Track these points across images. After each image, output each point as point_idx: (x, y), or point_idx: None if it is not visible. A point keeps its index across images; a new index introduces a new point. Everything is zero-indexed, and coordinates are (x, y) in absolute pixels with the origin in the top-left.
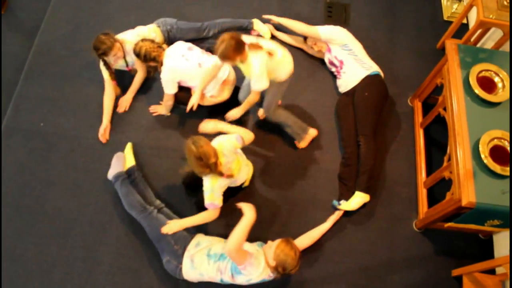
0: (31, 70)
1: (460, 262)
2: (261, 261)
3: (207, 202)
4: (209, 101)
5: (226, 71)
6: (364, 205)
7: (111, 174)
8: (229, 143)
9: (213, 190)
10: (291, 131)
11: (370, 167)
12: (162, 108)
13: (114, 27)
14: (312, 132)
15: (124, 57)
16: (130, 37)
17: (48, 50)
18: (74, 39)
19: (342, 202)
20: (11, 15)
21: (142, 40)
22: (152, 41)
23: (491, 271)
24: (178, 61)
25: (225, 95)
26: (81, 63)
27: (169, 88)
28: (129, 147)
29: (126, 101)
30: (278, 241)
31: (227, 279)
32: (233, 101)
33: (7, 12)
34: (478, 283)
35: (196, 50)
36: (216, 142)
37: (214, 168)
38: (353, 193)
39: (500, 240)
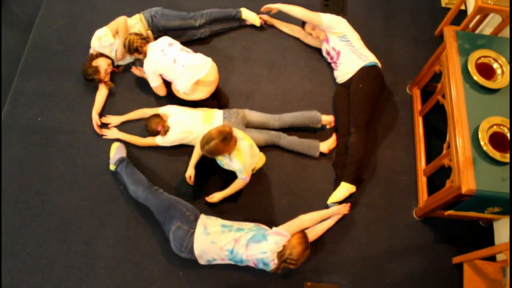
0: (27, 65)
1: (461, 250)
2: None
3: (243, 176)
4: (183, 96)
5: (203, 71)
6: (351, 196)
7: (114, 159)
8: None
9: (245, 166)
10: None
11: (358, 159)
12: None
13: (109, 20)
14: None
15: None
16: (98, 34)
17: (44, 44)
18: (69, 33)
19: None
20: (6, 10)
21: (130, 33)
22: (138, 34)
23: (492, 258)
24: (157, 55)
25: (198, 95)
26: (77, 57)
27: (152, 81)
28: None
29: (93, 123)
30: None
31: (239, 248)
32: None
33: (2, 7)
34: (479, 270)
35: (176, 46)
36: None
37: (233, 144)
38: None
39: (501, 227)
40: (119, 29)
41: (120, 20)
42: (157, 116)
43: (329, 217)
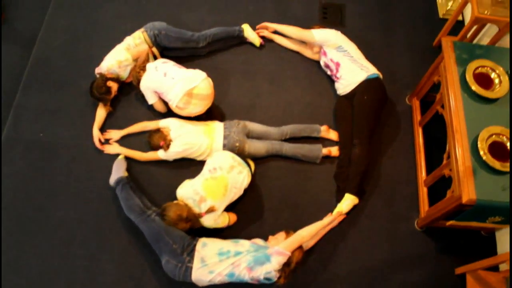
0: (30, 81)
1: (463, 260)
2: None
3: (222, 226)
4: (177, 111)
5: (195, 83)
6: (354, 207)
7: (112, 180)
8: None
9: (216, 223)
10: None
11: (362, 171)
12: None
13: (111, 35)
14: (323, 130)
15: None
16: (113, 57)
17: (46, 60)
18: (71, 48)
19: (337, 205)
20: (8, 26)
21: (135, 68)
22: (136, 66)
23: (495, 268)
24: (150, 72)
25: (193, 109)
26: (79, 72)
27: (148, 98)
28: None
29: (95, 139)
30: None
31: (240, 272)
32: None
33: (4, 24)
34: (482, 281)
35: (170, 63)
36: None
37: (195, 219)
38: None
39: (503, 237)
40: (141, 57)
41: (144, 50)
42: (158, 131)
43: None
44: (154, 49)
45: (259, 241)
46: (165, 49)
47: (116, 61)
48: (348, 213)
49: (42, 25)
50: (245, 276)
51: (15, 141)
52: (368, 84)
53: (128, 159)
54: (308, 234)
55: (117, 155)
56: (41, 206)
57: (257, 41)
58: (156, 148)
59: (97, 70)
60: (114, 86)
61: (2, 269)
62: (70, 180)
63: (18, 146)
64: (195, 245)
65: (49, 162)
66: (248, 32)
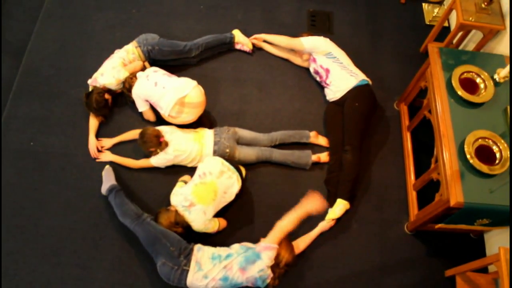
0: (19, 90)
1: (453, 262)
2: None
3: (212, 231)
4: (170, 120)
5: (185, 91)
6: (346, 212)
7: (105, 188)
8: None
9: (206, 227)
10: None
11: (354, 177)
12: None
13: (100, 44)
14: (312, 136)
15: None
16: (112, 75)
17: (36, 69)
18: (61, 58)
19: (329, 210)
20: None
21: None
22: (130, 73)
23: (484, 270)
24: (141, 81)
25: (185, 117)
26: (69, 81)
27: (139, 106)
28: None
29: (92, 146)
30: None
31: (234, 274)
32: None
33: None
34: (471, 282)
35: (160, 72)
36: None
37: (184, 223)
38: (336, 199)
39: (491, 239)
40: (136, 71)
41: (140, 66)
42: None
43: (307, 215)
44: (146, 63)
45: (248, 244)
46: (157, 60)
47: (115, 79)
48: (338, 218)
49: (32, 35)
50: (239, 278)
51: (5, 151)
52: (358, 91)
53: (120, 166)
54: (288, 222)
55: (107, 163)
56: (31, 215)
57: (249, 44)
58: (154, 145)
59: (92, 83)
60: (110, 98)
61: None
62: (60, 188)
63: (8, 155)
64: (192, 249)
65: (39, 171)
66: (239, 37)
